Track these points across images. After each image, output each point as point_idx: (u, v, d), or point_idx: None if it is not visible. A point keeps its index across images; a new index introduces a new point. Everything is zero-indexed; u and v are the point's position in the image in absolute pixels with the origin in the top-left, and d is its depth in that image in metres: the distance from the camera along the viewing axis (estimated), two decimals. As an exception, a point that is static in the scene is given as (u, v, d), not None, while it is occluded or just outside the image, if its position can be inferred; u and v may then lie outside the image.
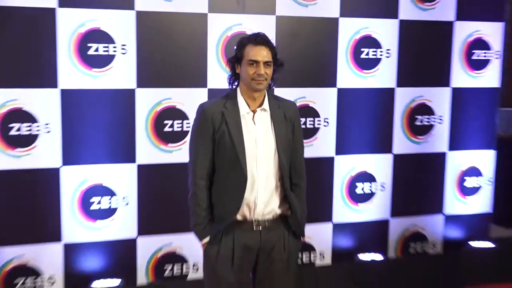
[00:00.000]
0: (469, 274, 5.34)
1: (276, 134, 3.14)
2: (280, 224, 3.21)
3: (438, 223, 5.55)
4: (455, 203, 5.58)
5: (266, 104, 3.16)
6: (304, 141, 4.78)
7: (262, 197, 3.12)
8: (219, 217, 3.14)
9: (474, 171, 5.61)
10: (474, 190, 5.64)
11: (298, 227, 3.24)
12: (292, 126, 3.22)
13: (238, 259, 3.14)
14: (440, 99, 5.41)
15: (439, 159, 5.47)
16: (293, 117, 3.23)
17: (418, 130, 5.36)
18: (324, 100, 5.04)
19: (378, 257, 5.26)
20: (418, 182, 5.43)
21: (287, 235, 3.23)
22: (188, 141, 4.40)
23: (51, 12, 4.31)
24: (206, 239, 3.15)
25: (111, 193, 4.61)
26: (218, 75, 4.73)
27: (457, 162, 5.54)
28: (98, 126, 4.53)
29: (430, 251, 5.53)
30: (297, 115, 3.28)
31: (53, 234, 4.50)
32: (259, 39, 3.08)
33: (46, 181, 4.46)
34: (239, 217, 3.13)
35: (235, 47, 3.16)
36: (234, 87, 3.22)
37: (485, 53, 5.48)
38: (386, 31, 5.14)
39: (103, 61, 4.46)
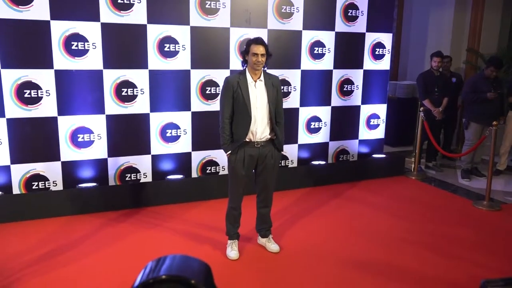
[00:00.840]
0: (372, 171, 5.59)
1: (267, 94, 3.18)
2: (270, 143, 3.26)
3: (355, 144, 5.70)
4: (364, 133, 5.71)
5: (262, 77, 3.19)
6: (283, 99, 5.06)
7: (260, 128, 3.18)
8: (235, 139, 3.19)
9: (375, 116, 5.73)
10: (375, 126, 5.77)
11: (279, 145, 3.29)
12: (276, 90, 3.23)
13: (246, 162, 3.22)
14: (357, 76, 5.47)
15: (356, 109, 5.59)
16: (277, 85, 3.24)
17: (345, 93, 5.48)
18: (293, 76, 5.11)
19: (322, 162, 5.42)
20: (344, 122, 5.54)
21: (273, 149, 3.28)
22: (218, 98, 4.71)
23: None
24: (229, 152, 3.21)
25: (177, 127, 4.66)
26: (235, 62, 4.78)
27: (366, 111, 5.66)
28: (170, 90, 4.51)
29: (350, 159, 5.70)
30: (279, 84, 3.28)
31: (146, 150, 4.56)
32: (258, 41, 3.12)
33: (142, 121, 4.52)
34: (247, 139, 3.19)
35: (244, 45, 3.21)
36: (244, 67, 3.22)
37: (383, 50, 5.54)
38: (328, 38, 5.22)
39: (172, 54, 4.46)
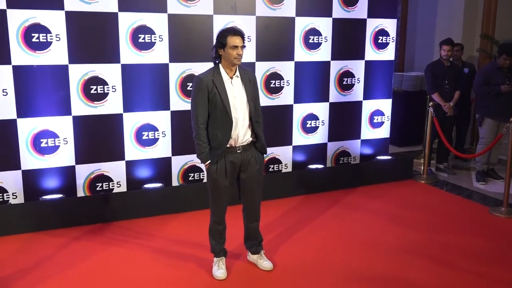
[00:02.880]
0: (375, 175, 5.59)
1: (246, 91, 3.19)
2: (252, 147, 3.27)
3: (357, 145, 5.73)
4: (367, 132, 5.77)
5: (237, 73, 3.18)
6: (274, 95, 5.02)
7: (241, 132, 3.19)
8: (214, 147, 3.16)
9: (378, 112, 5.80)
10: (379, 124, 5.83)
11: (262, 148, 3.31)
12: (253, 85, 3.25)
13: (229, 171, 3.22)
14: (358, 68, 5.55)
15: (358, 105, 5.64)
16: (253, 80, 3.26)
17: (345, 87, 5.53)
18: (286, 69, 5.17)
19: (320, 166, 5.45)
20: (345, 120, 5.58)
21: (256, 153, 3.29)
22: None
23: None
24: (208, 162, 3.18)
25: (154, 129, 4.69)
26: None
27: (368, 107, 5.72)
28: (145, 87, 4.58)
29: (352, 162, 5.75)
30: (255, 78, 3.30)
31: (119, 155, 4.59)
32: (236, 31, 3.07)
33: (114, 123, 4.53)
34: (228, 145, 3.18)
35: (218, 37, 3.09)
36: (217, 63, 3.17)
37: (385, 38, 5.57)
38: (324, 25, 5.24)
39: (148, 46, 4.50)
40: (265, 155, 3.46)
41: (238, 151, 3.23)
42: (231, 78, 3.19)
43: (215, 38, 3.17)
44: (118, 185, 4.72)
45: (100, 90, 4.49)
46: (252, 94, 3.23)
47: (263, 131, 3.36)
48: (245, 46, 3.14)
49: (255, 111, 3.27)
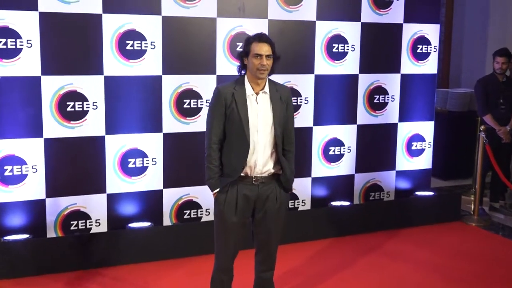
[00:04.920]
0: (415, 216, 5.57)
1: (273, 112, 3.22)
2: (273, 180, 3.28)
3: (391, 177, 5.77)
4: (403, 162, 5.79)
5: (267, 88, 3.23)
6: (294, 113, 5.10)
7: (260, 160, 3.21)
8: (227, 173, 3.22)
9: (418, 137, 5.82)
10: (418, 152, 5.85)
11: (287, 183, 3.32)
12: (286, 105, 3.28)
13: (240, 205, 3.22)
14: (392, 83, 5.63)
15: (392, 128, 5.68)
16: (286, 99, 3.30)
17: (376, 106, 5.57)
18: (304, 84, 5.22)
19: (346, 203, 5.45)
20: (376, 146, 5.63)
21: (279, 189, 3.30)
22: (202, 114, 4.74)
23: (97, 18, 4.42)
24: (217, 190, 3.23)
25: (143, 155, 4.71)
26: (224, 64, 4.86)
27: (405, 130, 5.75)
28: (133, 104, 4.63)
29: (385, 199, 5.76)
30: (290, 97, 3.34)
31: (100, 187, 4.62)
32: (262, 37, 3.17)
33: (94, 146, 4.57)
34: (242, 173, 3.21)
35: (241, 44, 3.26)
36: (242, 74, 3.27)
37: (426, 47, 5.71)
38: (351, 31, 5.35)
39: (137, 55, 4.57)
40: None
41: (255, 183, 3.25)
42: (257, 93, 3.24)
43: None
44: (97, 224, 4.70)
45: (79, 108, 4.53)
46: (281, 115, 3.26)
47: (294, 163, 3.40)
48: (276, 57, 3.22)
49: (287, 137, 3.32)
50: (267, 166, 3.26)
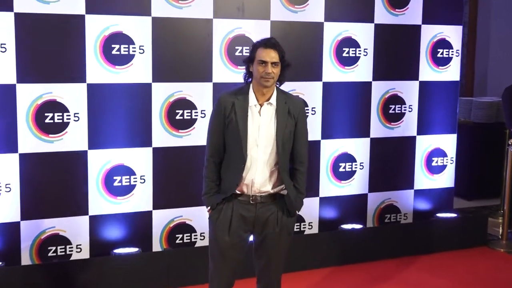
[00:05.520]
0: (436, 241, 5.55)
1: (277, 126, 3.23)
2: (275, 201, 3.29)
3: (408, 196, 5.75)
4: (423, 180, 5.77)
5: (273, 99, 3.24)
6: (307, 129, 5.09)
7: (258, 178, 3.23)
8: (223, 189, 3.27)
9: (439, 152, 5.82)
10: (439, 168, 5.83)
11: (291, 206, 3.30)
12: (295, 120, 3.29)
13: (234, 225, 3.24)
14: (409, 91, 5.63)
15: (410, 142, 5.67)
16: (297, 112, 3.30)
17: (391, 117, 5.57)
18: (311, 92, 5.21)
19: (358, 226, 5.43)
20: (392, 162, 5.63)
21: (281, 212, 3.29)
22: (197, 127, 4.70)
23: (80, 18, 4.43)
24: (210, 206, 3.30)
25: (130, 173, 4.70)
26: (221, 71, 4.86)
27: (425, 144, 5.74)
28: (119, 115, 4.63)
29: (402, 221, 5.74)
30: (302, 111, 3.34)
31: (81, 208, 4.59)
32: (268, 43, 3.19)
33: (75, 163, 4.56)
34: (238, 191, 3.24)
35: (241, 48, 3.38)
36: (248, 82, 3.31)
37: (447, 51, 5.72)
38: (363, 33, 5.36)
39: (124, 60, 4.58)
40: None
41: (253, 203, 3.27)
42: (261, 105, 3.26)
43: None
44: (79, 250, 4.67)
45: (58, 119, 4.52)
46: (286, 131, 3.27)
47: (304, 184, 3.41)
48: (286, 65, 3.26)
49: (296, 155, 3.34)
50: (266, 186, 3.28)
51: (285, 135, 3.26)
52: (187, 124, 4.86)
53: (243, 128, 3.21)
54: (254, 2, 4.96)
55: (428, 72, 5.70)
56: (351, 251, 5.29)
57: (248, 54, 3.32)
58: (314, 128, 5.31)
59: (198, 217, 4.92)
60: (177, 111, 4.83)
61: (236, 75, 4.83)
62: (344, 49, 5.33)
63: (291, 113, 3.28)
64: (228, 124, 3.24)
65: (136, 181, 4.79)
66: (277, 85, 3.33)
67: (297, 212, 3.40)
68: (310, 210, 5.39)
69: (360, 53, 5.40)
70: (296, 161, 3.35)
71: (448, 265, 5.30)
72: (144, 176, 4.80)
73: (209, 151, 3.30)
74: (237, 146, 3.22)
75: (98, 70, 4.57)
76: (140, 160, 4.78)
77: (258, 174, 3.25)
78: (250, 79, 3.31)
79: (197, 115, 4.87)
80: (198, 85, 4.84)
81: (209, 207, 3.32)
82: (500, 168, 6.58)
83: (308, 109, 5.26)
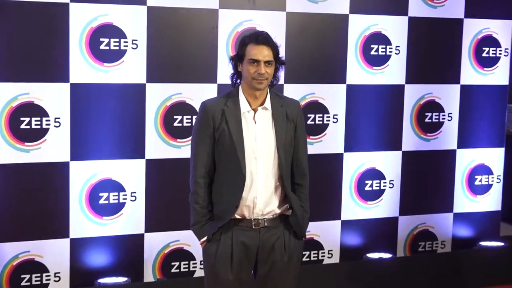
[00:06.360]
0: (479, 274, 5.50)
1: (277, 133, 3.24)
2: (280, 223, 3.30)
3: (447, 221, 5.72)
4: (464, 201, 5.74)
5: (268, 103, 3.26)
6: (313, 137, 5.09)
7: (261, 197, 3.22)
8: (218, 215, 3.24)
9: (483, 169, 5.78)
10: (484, 188, 5.80)
11: (299, 227, 3.32)
12: (294, 125, 3.31)
13: (237, 257, 3.23)
14: (449, 96, 5.60)
15: (449, 156, 5.64)
16: (295, 116, 3.31)
17: (428, 127, 5.55)
18: (333, 97, 5.21)
19: (386, 255, 5.43)
20: (427, 180, 5.60)
21: (288, 235, 3.31)
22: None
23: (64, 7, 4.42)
24: (205, 238, 3.25)
25: (119, 189, 4.70)
26: (228, 70, 4.85)
27: (467, 159, 5.71)
28: (107, 121, 4.64)
29: (439, 250, 5.71)
30: (300, 114, 3.36)
31: (61, 229, 4.58)
32: (260, 38, 3.16)
33: (55, 176, 4.56)
34: (237, 215, 3.23)
35: (237, 46, 3.26)
36: (237, 85, 3.31)
37: (494, 50, 5.69)
38: (395, 28, 5.36)
39: (114, 56, 4.59)
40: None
41: (255, 228, 3.25)
42: (255, 110, 3.26)
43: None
44: (57, 279, 4.66)
45: (36, 125, 4.51)
46: (288, 138, 3.29)
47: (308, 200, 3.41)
48: (280, 63, 3.26)
49: (297, 167, 3.34)
50: (271, 206, 3.27)
51: (286, 142, 3.27)
52: (187, 132, 4.82)
53: (238, 139, 3.20)
54: (267, -10, 4.98)
55: (471, 74, 5.69)
56: (378, 284, 5.28)
57: (237, 51, 3.28)
58: (336, 139, 5.32)
59: (198, 242, 4.84)
60: (175, 117, 4.83)
61: (245, 75, 4.81)
62: (372, 46, 5.33)
63: (289, 118, 3.29)
64: (219, 137, 3.22)
65: (125, 199, 4.78)
66: (269, 87, 3.31)
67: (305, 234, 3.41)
68: (330, 235, 5.39)
69: (391, 51, 5.40)
70: (297, 173, 3.35)
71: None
72: (135, 193, 4.79)
73: (197, 172, 3.25)
74: (233, 162, 3.20)
75: (83, 68, 4.57)
76: (130, 174, 4.77)
77: (260, 193, 3.24)
78: (239, 81, 3.31)
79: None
80: (201, 86, 4.85)
81: (203, 239, 3.28)
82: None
83: (329, 117, 5.28)
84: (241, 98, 3.26)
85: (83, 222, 4.70)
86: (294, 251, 3.35)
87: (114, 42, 4.63)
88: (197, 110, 4.61)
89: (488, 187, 5.87)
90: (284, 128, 3.27)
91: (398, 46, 5.40)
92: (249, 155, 3.21)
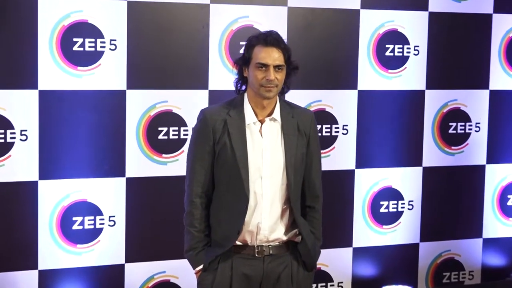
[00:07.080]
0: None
1: (286, 148, 3.27)
2: (288, 251, 3.34)
3: (476, 248, 5.70)
4: (495, 225, 5.73)
5: (277, 113, 3.29)
6: (320, 151, 5.08)
7: (267, 221, 3.25)
8: (216, 241, 3.28)
9: None
10: None
11: (308, 257, 3.36)
12: (307, 139, 3.34)
13: None
14: (476, 104, 5.58)
15: (477, 173, 5.62)
16: (308, 129, 3.35)
17: (452, 139, 5.54)
18: (342, 104, 5.21)
19: None
20: (452, 200, 5.57)
21: (296, 265, 3.34)
22: (187, 150, 4.69)
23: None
24: (201, 267, 3.27)
25: (95, 212, 4.70)
26: (220, 75, 4.85)
27: (498, 176, 5.70)
28: (81, 134, 4.63)
29: (467, 282, 5.69)
30: (313, 126, 3.41)
31: (28, 260, 4.57)
32: (269, 39, 3.20)
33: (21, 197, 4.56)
34: (238, 241, 3.26)
35: (243, 47, 3.31)
36: (241, 91, 3.35)
37: None
38: (414, 25, 5.34)
39: (89, 59, 4.58)
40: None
41: (259, 256, 3.26)
42: (261, 121, 3.28)
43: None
44: (24, 315, 4.68)
45: (0, 139, 4.50)
46: (298, 154, 3.31)
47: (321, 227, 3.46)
48: (293, 67, 3.28)
49: (309, 188, 3.39)
50: (277, 232, 3.29)
51: (297, 160, 3.29)
52: (174, 146, 4.88)
53: (242, 155, 3.21)
54: (266, -18, 5.02)
55: (502, 78, 5.68)
56: (396, 323, 5.23)
57: (243, 53, 3.31)
58: (346, 154, 5.32)
59: (187, 273, 4.73)
60: (160, 128, 4.84)
61: (240, 80, 4.82)
62: (387, 46, 5.33)
63: (301, 130, 3.33)
64: (219, 151, 3.24)
65: (103, 224, 4.78)
66: (279, 95, 3.34)
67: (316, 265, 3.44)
68: (341, 265, 5.38)
69: (409, 52, 5.39)
70: (309, 195, 3.39)
71: None
72: (114, 216, 4.80)
73: (194, 190, 3.28)
74: (235, 181, 3.22)
75: (54, 73, 4.57)
76: (109, 194, 4.78)
77: (265, 217, 3.25)
78: (244, 87, 3.33)
79: (187, 134, 4.85)
80: (189, 93, 4.86)
81: (198, 268, 3.29)
82: None
83: (338, 127, 5.27)
84: (246, 107, 3.28)
85: (53, 251, 4.69)
86: (303, 285, 3.37)
87: (90, 42, 4.63)
88: (186, 121, 4.81)
89: (523, 209, 5.87)
90: (294, 143, 3.29)
91: (417, 46, 5.40)
92: (253, 174, 3.23)
